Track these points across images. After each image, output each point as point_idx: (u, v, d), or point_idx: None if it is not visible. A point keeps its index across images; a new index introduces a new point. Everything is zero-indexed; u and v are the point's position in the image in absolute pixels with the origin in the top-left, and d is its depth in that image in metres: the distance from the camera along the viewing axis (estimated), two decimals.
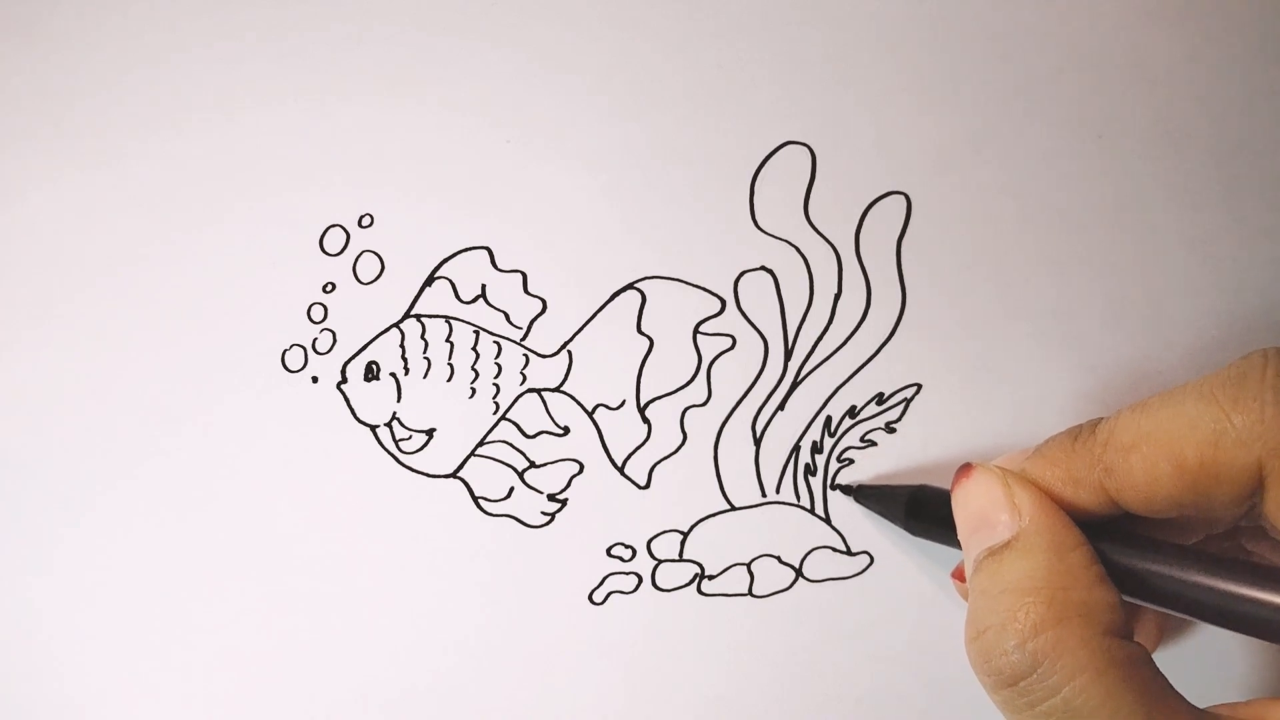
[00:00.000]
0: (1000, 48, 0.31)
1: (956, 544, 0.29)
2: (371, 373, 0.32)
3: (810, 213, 0.32)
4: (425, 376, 0.32)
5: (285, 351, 0.32)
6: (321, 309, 0.32)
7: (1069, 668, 0.24)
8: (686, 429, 0.33)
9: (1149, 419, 0.26)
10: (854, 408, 0.33)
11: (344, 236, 0.32)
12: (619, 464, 0.33)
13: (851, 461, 0.33)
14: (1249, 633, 0.24)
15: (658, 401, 0.33)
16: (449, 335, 0.32)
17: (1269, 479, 0.24)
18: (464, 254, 0.32)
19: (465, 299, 0.32)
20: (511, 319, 0.32)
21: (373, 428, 0.32)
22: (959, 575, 0.31)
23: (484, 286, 0.32)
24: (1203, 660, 0.34)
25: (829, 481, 0.33)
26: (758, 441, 0.33)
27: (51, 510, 0.33)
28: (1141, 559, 0.26)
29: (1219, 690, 0.34)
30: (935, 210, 0.32)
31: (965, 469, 0.29)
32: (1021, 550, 0.26)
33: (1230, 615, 0.24)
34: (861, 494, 0.33)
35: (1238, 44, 0.31)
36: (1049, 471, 0.27)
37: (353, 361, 0.32)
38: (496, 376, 0.32)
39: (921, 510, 0.31)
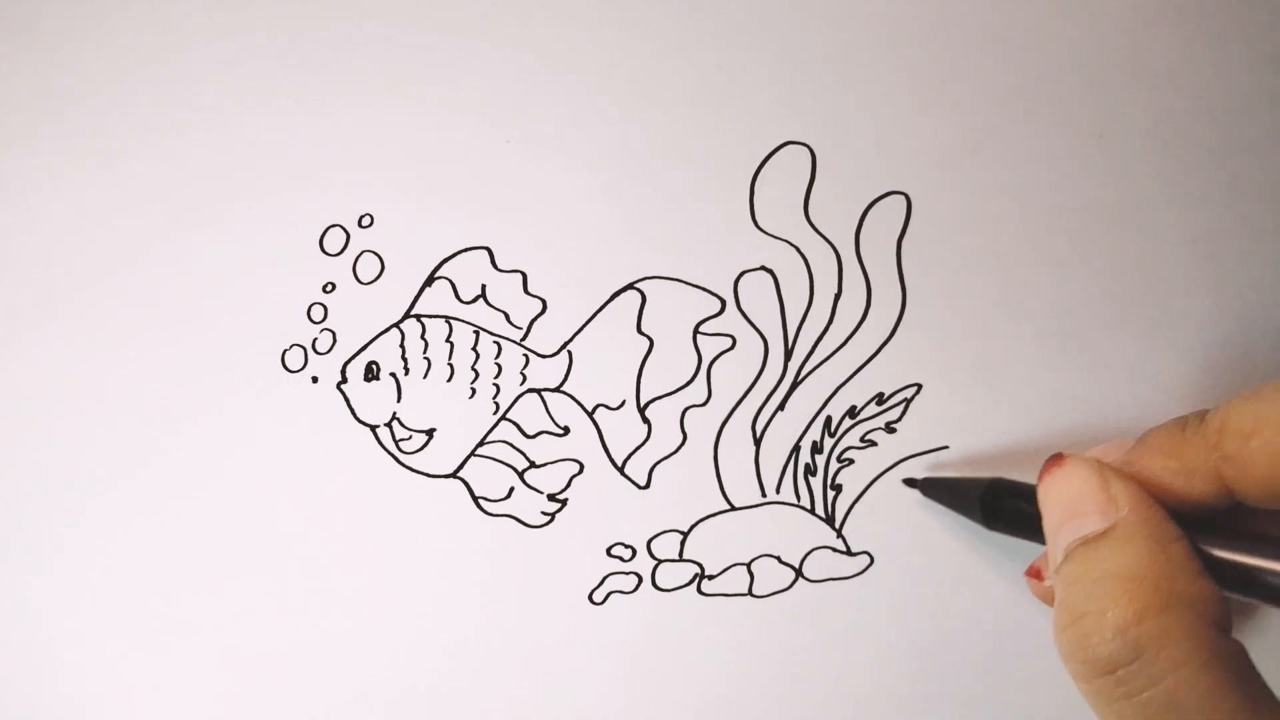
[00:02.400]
0: (1000, 48, 0.31)
1: (1037, 539, 0.28)
2: (371, 373, 0.32)
3: (810, 213, 0.32)
4: (425, 376, 0.32)
5: (285, 351, 0.32)
6: (321, 309, 0.32)
7: (1174, 658, 0.23)
8: (686, 429, 0.33)
9: (1269, 405, 0.24)
10: (854, 408, 0.33)
11: (344, 236, 0.32)
12: (619, 464, 0.33)
13: (851, 461, 0.33)
14: None
15: (658, 401, 0.33)
16: (449, 335, 0.32)
17: None
18: (464, 254, 0.32)
19: (465, 299, 0.32)
20: (511, 319, 0.32)
21: (373, 428, 0.32)
22: (1034, 573, 0.30)
23: (484, 286, 0.32)
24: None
25: (830, 481, 0.33)
26: (758, 441, 0.33)
27: (51, 510, 0.33)
28: (1244, 553, 0.25)
29: None
30: (935, 210, 0.32)
31: (1057, 458, 0.28)
32: (1120, 539, 0.25)
33: None
34: (928, 486, 0.32)
35: (1238, 44, 0.31)
36: (1158, 461, 0.26)
37: (353, 361, 0.32)
38: (496, 376, 0.32)
39: (999, 504, 0.30)
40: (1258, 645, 0.33)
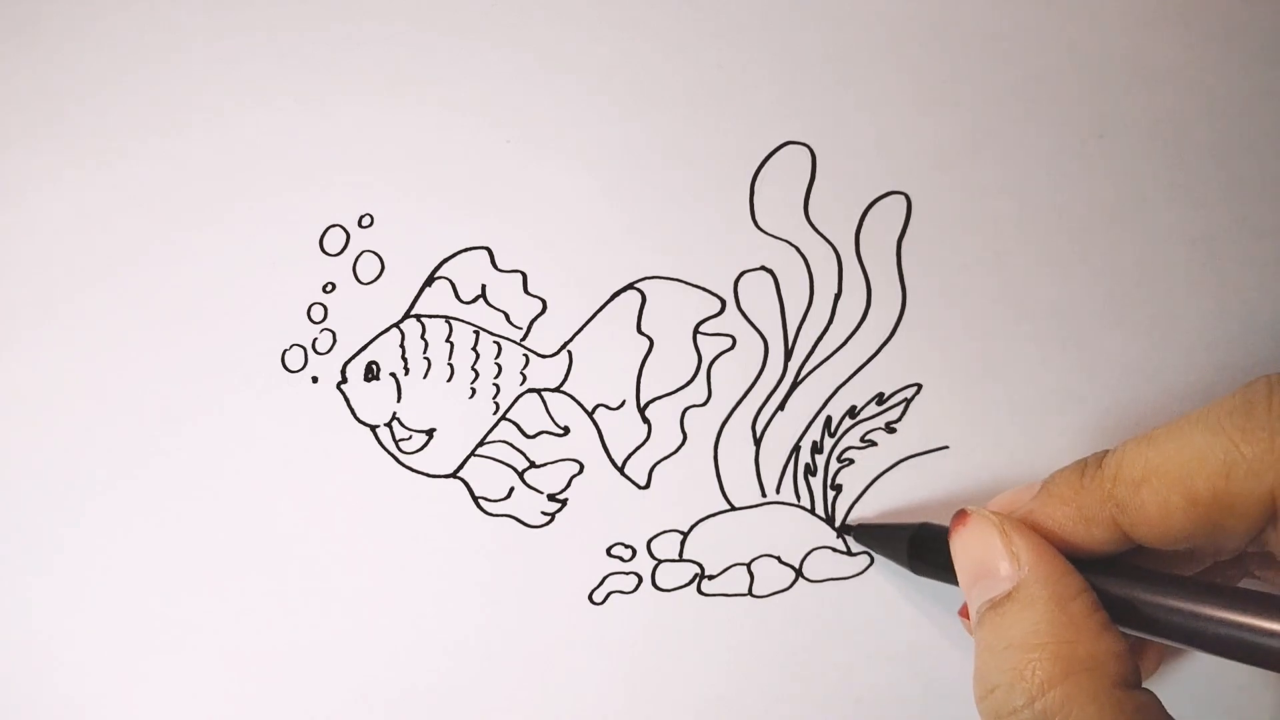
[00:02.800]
0: (1000, 48, 0.31)
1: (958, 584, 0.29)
2: (371, 373, 0.32)
3: (810, 213, 0.32)
4: (425, 376, 0.32)
5: (285, 351, 0.32)
6: (321, 309, 0.32)
7: None
8: (686, 429, 0.33)
9: (1156, 452, 0.25)
10: (854, 408, 0.33)
11: (344, 236, 0.32)
12: (619, 464, 0.33)
13: (852, 461, 0.33)
14: (1265, 665, 0.24)
15: (658, 401, 0.33)
16: (449, 335, 0.32)
17: None
18: (464, 254, 0.32)
19: (465, 299, 0.32)
20: (511, 319, 0.32)
21: (373, 428, 0.32)
22: (964, 613, 0.31)
23: (484, 286, 0.32)
24: (1211, 696, 0.34)
25: (830, 481, 0.33)
26: (758, 441, 0.33)
27: (51, 510, 0.33)
28: (1148, 593, 0.26)
29: None
30: (935, 210, 0.32)
31: (961, 515, 0.28)
32: (1023, 603, 0.26)
33: (1243, 647, 0.24)
34: (861, 534, 0.33)
35: (1238, 44, 0.31)
36: (1059, 510, 0.27)
37: (353, 361, 0.32)
38: (496, 376, 0.32)
39: (924, 551, 0.30)
40: (1192, 680, 0.33)
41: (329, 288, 0.32)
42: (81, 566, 0.33)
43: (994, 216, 0.32)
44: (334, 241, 0.32)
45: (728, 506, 0.33)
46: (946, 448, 0.33)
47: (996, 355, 0.32)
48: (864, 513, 0.33)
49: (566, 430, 0.33)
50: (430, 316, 0.32)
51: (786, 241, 0.32)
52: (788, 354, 0.33)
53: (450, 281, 0.32)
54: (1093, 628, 0.25)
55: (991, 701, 0.25)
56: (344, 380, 0.32)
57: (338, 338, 0.32)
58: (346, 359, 0.32)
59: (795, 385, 0.33)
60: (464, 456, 0.33)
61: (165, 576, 0.33)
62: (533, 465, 0.33)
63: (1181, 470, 0.25)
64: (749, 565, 0.33)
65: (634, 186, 0.32)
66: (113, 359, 0.32)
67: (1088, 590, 0.26)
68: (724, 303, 0.32)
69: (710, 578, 0.33)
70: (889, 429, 0.33)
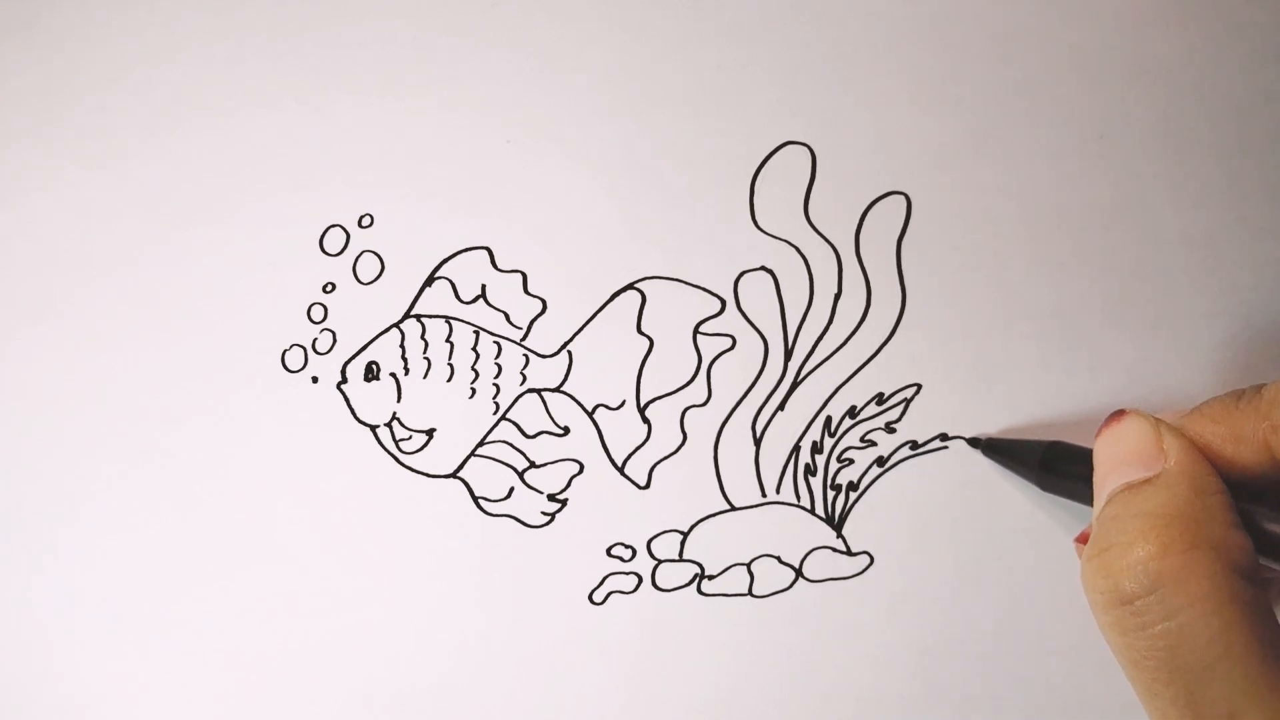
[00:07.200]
0: (1000, 48, 0.31)
1: (1088, 501, 0.28)
2: (371, 373, 0.32)
3: (810, 213, 0.32)
4: (425, 376, 0.32)
5: (285, 351, 0.32)
6: (321, 309, 0.32)
7: (1191, 594, 0.23)
8: (686, 429, 0.33)
9: None
10: (854, 408, 0.33)
11: (344, 236, 0.32)
12: (619, 464, 0.33)
13: (851, 461, 0.33)
14: None
15: (658, 401, 0.33)
16: (449, 335, 0.32)
17: None
18: (464, 254, 0.32)
19: (465, 299, 0.32)
20: (511, 319, 0.32)
21: (373, 428, 0.32)
22: (1084, 539, 0.30)
23: (484, 286, 0.32)
24: None
25: (830, 481, 0.33)
26: (758, 441, 0.33)
27: (51, 510, 0.33)
28: None
29: None
30: (935, 210, 0.32)
31: (1118, 414, 0.28)
32: (1162, 484, 0.25)
33: None
34: (990, 447, 0.32)
35: (1238, 44, 0.31)
36: (1210, 428, 0.27)
37: (353, 361, 0.32)
38: (496, 376, 0.32)
39: (1057, 464, 0.30)
40: None
41: (329, 288, 0.32)
42: (81, 566, 0.33)
43: (994, 216, 0.32)
44: (334, 241, 0.32)
45: (728, 506, 0.33)
46: (946, 448, 0.33)
47: (996, 355, 0.32)
48: (864, 512, 0.33)
49: (566, 430, 0.33)
50: (430, 316, 0.32)
51: (786, 241, 0.32)
52: (788, 354, 0.33)
53: (450, 281, 0.32)
54: (1225, 520, 0.25)
55: (1106, 558, 0.25)
56: (344, 380, 0.32)
57: (338, 338, 0.32)
58: (346, 359, 0.32)
59: (795, 385, 0.33)
60: (464, 456, 0.33)
61: (165, 576, 0.33)
62: (533, 465, 0.33)
63: None
64: (749, 565, 0.33)
65: (634, 186, 0.32)
66: (113, 359, 0.32)
67: (1226, 492, 0.26)
68: (724, 303, 0.32)
69: (710, 578, 0.33)
70: (889, 429, 0.33)
